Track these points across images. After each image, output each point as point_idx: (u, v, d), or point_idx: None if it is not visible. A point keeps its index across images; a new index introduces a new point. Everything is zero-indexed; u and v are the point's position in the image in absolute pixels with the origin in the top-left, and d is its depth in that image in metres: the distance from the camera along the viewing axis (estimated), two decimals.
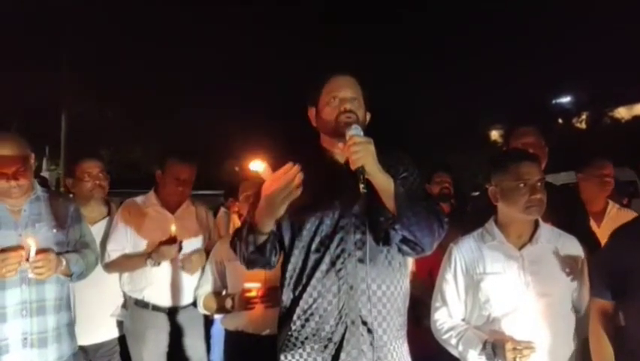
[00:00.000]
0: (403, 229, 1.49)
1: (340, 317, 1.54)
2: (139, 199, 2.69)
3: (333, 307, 1.54)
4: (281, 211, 1.47)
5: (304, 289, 1.56)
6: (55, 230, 2.02)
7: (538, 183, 1.71)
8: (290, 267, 1.60)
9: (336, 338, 1.54)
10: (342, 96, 1.58)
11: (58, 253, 1.97)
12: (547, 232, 1.80)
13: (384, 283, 1.56)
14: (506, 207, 1.78)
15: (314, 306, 1.55)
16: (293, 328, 1.57)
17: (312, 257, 1.56)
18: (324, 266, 1.55)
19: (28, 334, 1.93)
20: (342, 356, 1.52)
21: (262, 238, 1.52)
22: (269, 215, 1.47)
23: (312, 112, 1.67)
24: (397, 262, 1.60)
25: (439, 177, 3.14)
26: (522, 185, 1.71)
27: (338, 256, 1.55)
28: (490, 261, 1.77)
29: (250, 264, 1.60)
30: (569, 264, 1.76)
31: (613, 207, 2.77)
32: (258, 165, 1.81)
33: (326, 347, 1.54)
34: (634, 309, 1.59)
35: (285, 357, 1.58)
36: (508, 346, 1.61)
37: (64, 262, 1.97)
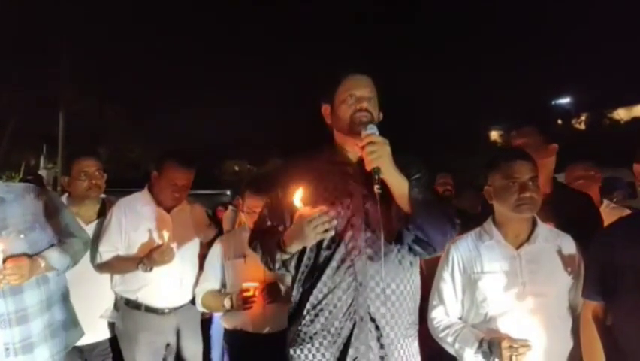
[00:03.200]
0: (416, 228, 1.50)
1: (349, 313, 1.55)
2: (133, 198, 2.63)
3: (342, 303, 1.55)
4: (311, 243, 1.54)
5: (314, 285, 1.58)
6: (23, 235, 1.90)
7: (530, 182, 1.72)
8: (302, 263, 1.62)
9: (345, 334, 1.55)
10: (359, 95, 1.60)
11: (35, 255, 1.89)
12: (544, 231, 1.80)
13: (393, 282, 1.57)
14: (499, 206, 1.79)
15: (324, 302, 1.56)
16: (302, 323, 1.59)
17: (323, 254, 1.58)
18: (334, 263, 1.56)
19: (10, 344, 1.86)
20: (350, 351, 1.54)
21: (287, 257, 1.60)
22: (298, 243, 1.54)
23: (326, 109, 1.68)
24: (408, 261, 1.61)
25: (443, 179, 3.16)
26: (512, 183, 1.72)
27: (348, 253, 1.56)
28: (488, 260, 1.77)
29: (273, 270, 1.71)
30: (566, 263, 1.76)
31: (607, 206, 2.75)
32: (298, 200, 1.76)
33: (334, 342, 1.55)
34: (624, 308, 1.59)
35: (295, 352, 1.60)
36: (505, 344, 1.61)
37: (42, 264, 1.89)
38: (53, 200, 2.11)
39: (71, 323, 2.08)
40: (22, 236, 1.89)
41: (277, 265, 1.62)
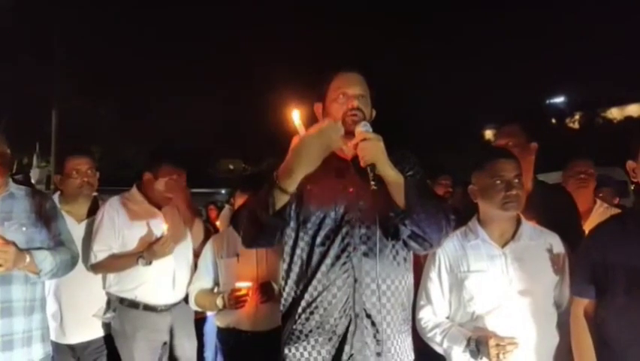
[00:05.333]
0: (412, 224, 1.49)
1: (345, 310, 1.54)
2: (123, 197, 2.63)
3: (337, 300, 1.54)
4: (316, 163, 1.44)
5: (309, 283, 1.56)
6: (25, 228, 1.96)
7: (515, 180, 1.74)
8: (294, 260, 1.60)
9: (341, 331, 1.54)
10: (351, 93, 1.58)
11: (26, 250, 1.91)
12: (529, 229, 1.82)
13: (388, 278, 1.56)
14: (485, 205, 1.81)
15: (319, 299, 1.55)
16: (298, 321, 1.57)
17: (317, 250, 1.56)
18: (329, 260, 1.54)
19: None
20: (346, 348, 1.53)
21: (284, 199, 1.47)
22: (300, 168, 1.43)
23: (318, 108, 1.66)
24: (402, 257, 1.61)
25: (445, 180, 3.18)
26: (498, 182, 1.73)
27: (343, 250, 1.54)
28: (474, 259, 1.78)
29: (262, 233, 1.54)
30: (551, 260, 1.78)
31: (600, 207, 2.78)
32: (297, 118, 1.49)
33: (330, 339, 1.54)
34: (614, 306, 1.61)
35: (290, 350, 1.57)
36: (492, 342, 1.63)
37: (27, 259, 1.89)
38: (55, 208, 2.16)
39: (46, 335, 2.09)
40: (23, 229, 1.95)
41: (270, 211, 1.45)
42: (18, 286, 1.93)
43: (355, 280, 1.54)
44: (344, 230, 1.55)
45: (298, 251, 1.59)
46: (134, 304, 2.50)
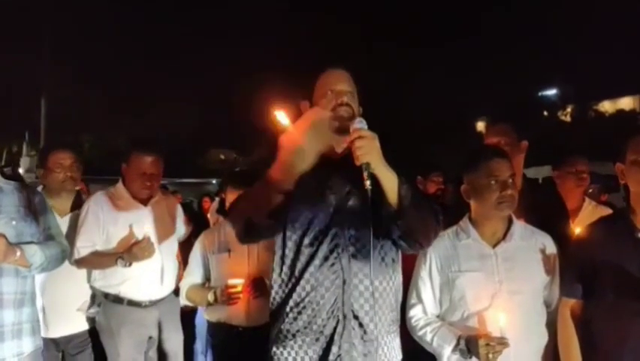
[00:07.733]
0: (404, 224, 1.48)
1: (333, 311, 1.54)
2: (108, 192, 2.60)
3: (325, 300, 1.53)
4: (311, 159, 1.38)
5: (297, 283, 1.55)
6: (14, 222, 1.95)
7: (510, 180, 1.73)
8: (283, 259, 1.59)
9: (328, 332, 1.54)
10: (339, 89, 1.58)
11: (16, 244, 1.90)
12: (520, 229, 1.81)
13: (377, 279, 1.56)
14: (478, 205, 1.80)
15: (307, 299, 1.54)
16: (285, 320, 1.57)
17: (306, 251, 1.55)
18: (317, 260, 1.54)
19: None
20: (334, 349, 1.53)
21: (279, 199, 1.44)
22: (297, 165, 1.38)
23: (305, 106, 1.65)
24: (390, 258, 1.60)
25: (437, 177, 3.17)
26: (493, 182, 1.73)
27: (332, 251, 1.54)
28: (465, 259, 1.78)
29: (255, 233, 1.53)
30: (542, 261, 1.78)
31: (589, 205, 2.79)
32: (283, 117, 1.47)
33: (317, 340, 1.54)
34: (601, 307, 1.62)
35: (277, 348, 1.58)
36: (482, 342, 1.63)
37: (18, 253, 1.88)
38: (44, 202, 2.15)
39: (36, 328, 2.08)
40: (13, 223, 1.94)
41: (265, 213, 1.43)
42: (8, 279, 1.92)
43: (344, 282, 1.53)
44: (333, 231, 1.54)
45: (287, 251, 1.58)
46: (118, 300, 2.49)
